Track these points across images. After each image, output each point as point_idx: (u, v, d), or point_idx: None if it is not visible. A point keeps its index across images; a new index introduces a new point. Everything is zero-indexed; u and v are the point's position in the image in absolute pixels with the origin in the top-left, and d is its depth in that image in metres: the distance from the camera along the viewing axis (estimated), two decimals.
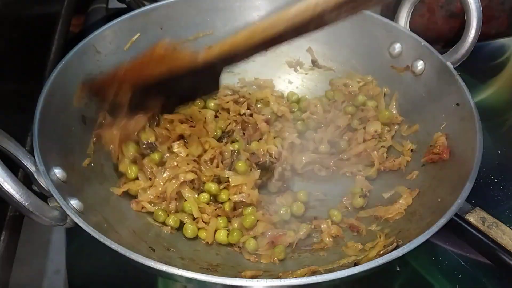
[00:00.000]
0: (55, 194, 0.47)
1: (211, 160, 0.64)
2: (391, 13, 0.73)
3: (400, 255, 0.45)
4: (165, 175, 0.60)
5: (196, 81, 0.54)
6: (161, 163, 0.63)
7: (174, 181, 0.60)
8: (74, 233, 0.63)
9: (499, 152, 0.74)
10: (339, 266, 0.53)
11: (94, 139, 0.62)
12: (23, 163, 0.50)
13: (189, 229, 0.59)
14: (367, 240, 0.57)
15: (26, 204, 0.44)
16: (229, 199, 0.62)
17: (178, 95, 0.58)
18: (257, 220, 0.60)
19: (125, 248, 0.44)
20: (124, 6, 0.92)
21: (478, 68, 0.87)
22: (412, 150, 0.66)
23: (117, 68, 0.55)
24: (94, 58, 0.67)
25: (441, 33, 0.90)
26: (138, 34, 0.71)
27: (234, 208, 0.62)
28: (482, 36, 0.63)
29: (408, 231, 0.54)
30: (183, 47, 0.53)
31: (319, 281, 0.43)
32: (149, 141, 0.63)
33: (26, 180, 0.50)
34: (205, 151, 0.65)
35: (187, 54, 0.52)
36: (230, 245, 0.60)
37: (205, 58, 0.52)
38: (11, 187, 0.43)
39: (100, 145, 0.63)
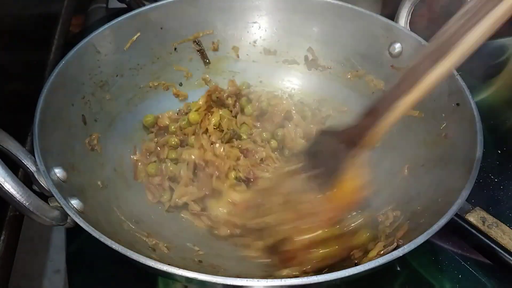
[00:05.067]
0: (55, 194, 0.47)
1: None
2: (391, 12, 0.73)
3: (401, 255, 0.45)
4: None
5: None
6: None
7: None
8: (74, 233, 0.63)
9: (499, 152, 0.74)
10: (340, 266, 0.53)
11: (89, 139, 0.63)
12: (23, 163, 0.50)
13: None
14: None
15: (27, 204, 0.44)
16: None
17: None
18: None
19: (125, 248, 0.44)
20: (124, 6, 0.92)
21: (478, 68, 0.87)
22: None
23: None
24: (94, 57, 0.67)
25: None
26: (138, 34, 0.71)
27: None
28: None
29: (408, 231, 0.54)
30: None
31: (319, 281, 0.42)
32: None
33: (26, 180, 0.50)
34: None
35: None
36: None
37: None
38: (12, 187, 0.43)
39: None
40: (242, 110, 0.75)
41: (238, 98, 0.76)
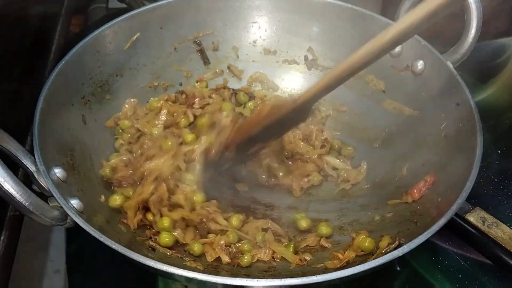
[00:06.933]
0: (55, 193, 0.47)
1: None
2: (391, 13, 0.73)
3: (401, 254, 0.45)
4: None
5: (292, 118, 0.59)
6: None
7: None
8: (74, 233, 0.63)
9: (499, 152, 0.74)
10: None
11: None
12: (23, 163, 0.50)
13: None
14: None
15: (26, 204, 0.44)
16: None
17: (276, 133, 0.64)
18: None
19: (125, 248, 0.44)
20: (124, 5, 0.92)
21: (478, 68, 0.87)
22: None
23: (228, 134, 0.61)
24: (94, 57, 0.67)
25: (441, 33, 0.90)
26: (138, 34, 0.71)
27: None
28: (482, 36, 0.63)
29: (408, 231, 0.54)
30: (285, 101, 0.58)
31: (319, 280, 0.43)
32: None
33: (26, 180, 0.50)
34: None
35: (288, 102, 0.56)
36: None
37: (304, 99, 0.55)
38: (12, 187, 0.43)
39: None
40: (240, 105, 0.76)
41: (235, 92, 0.76)
